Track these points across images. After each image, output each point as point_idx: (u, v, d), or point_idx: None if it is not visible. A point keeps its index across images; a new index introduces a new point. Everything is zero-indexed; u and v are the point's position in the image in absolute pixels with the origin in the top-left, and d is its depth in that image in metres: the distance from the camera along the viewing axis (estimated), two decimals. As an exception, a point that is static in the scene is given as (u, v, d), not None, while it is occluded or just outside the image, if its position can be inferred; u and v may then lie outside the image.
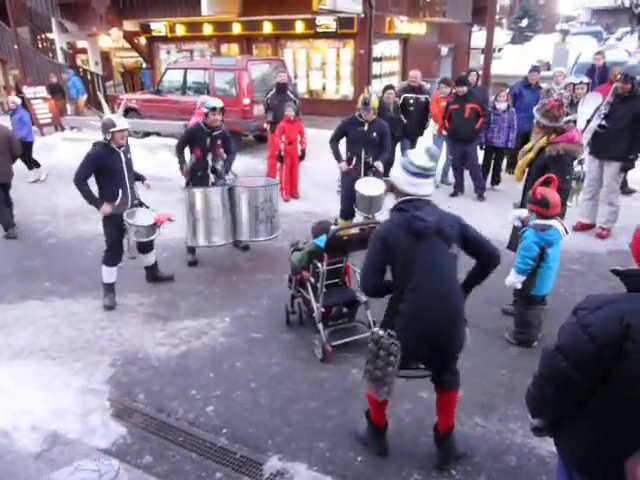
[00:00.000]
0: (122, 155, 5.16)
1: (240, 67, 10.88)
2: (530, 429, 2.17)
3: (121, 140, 5.09)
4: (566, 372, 1.79)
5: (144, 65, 19.39)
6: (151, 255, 5.77)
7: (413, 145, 8.66)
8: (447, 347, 2.95)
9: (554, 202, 3.90)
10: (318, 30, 15.09)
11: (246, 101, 10.84)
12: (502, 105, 7.82)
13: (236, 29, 15.86)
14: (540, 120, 4.35)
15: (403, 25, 16.62)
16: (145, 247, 5.62)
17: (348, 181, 6.42)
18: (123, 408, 3.91)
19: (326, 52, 15.85)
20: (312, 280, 4.47)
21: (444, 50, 22.63)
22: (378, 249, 2.91)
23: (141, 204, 5.46)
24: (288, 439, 3.51)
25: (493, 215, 7.08)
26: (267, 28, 15.47)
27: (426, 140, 8.85)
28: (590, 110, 6.97)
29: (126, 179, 5.23)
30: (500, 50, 34.00)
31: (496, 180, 8.46)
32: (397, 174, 2.96)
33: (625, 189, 7.05)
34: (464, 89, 7.63)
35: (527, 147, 4.58)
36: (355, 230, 4.08)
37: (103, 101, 5.64)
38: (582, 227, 6.63)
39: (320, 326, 4.37)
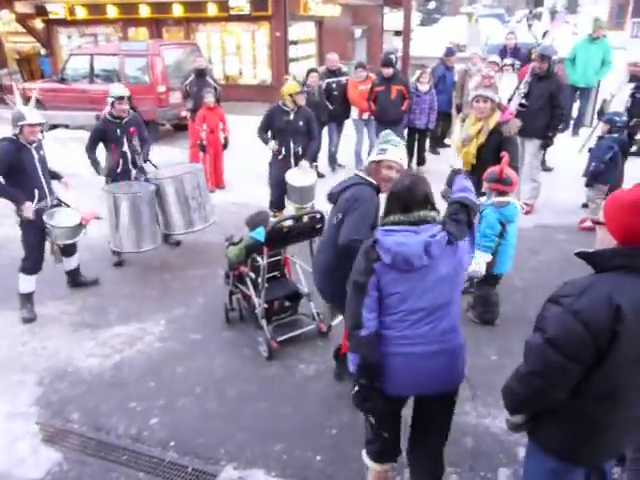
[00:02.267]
0: (34, 152, 4.69)
1: (152, 52, 10.29)
2: (508, 428, 2.13)
3: (31, 136, 4.62)
4: (561, 364, 1.74)
5: (42, 51, 17.93)
6: (73, 259, 5.33)
7: (340, 129, 8.60)
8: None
9: (515, 180, 4.02)
10: (231, 12, 14.58)
11: (161, 88, 10.29)
12: (424, 87, 7.89)
13: (144, 12, 14.98)
14: (489, 95, 4.40)
15: (318, 7, 16.43)
16: (67, 250, 5.17)
17: (276, 171, 6.23)
18: (55, 431, 3.57)
19: (241, 35, 15.37)
20: (252, 275, 4.29)
21: (357, 32, 22.74)
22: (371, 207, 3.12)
23: (60, 203, 5.01)
24: (241, 445, 3.35)
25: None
26: (178, 11, 14.73)
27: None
28: (507, 91, 7.22)
29: (41, 177, 4.76)
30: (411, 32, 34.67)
31: (420, 161, 8.57)
32: None
33: (544, 166, 7.38)
34: (390, 71, 7.61)
35: (472, 131, 4.55)
36: (293, 221, 3.94)
37: (15, 89, 5.07)
38: None
39: (263, 322, 4.22)
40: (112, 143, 5.68)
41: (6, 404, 3.81)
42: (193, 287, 5.38)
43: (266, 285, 4.22)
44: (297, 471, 3.14)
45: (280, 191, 6.20)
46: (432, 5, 45.07)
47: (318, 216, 3.99)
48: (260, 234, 4.30)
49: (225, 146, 8.10)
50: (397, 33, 33.48)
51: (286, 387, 3.86)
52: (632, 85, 6.01)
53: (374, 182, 3.13)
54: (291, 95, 6.10)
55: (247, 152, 9.07)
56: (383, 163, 3.08)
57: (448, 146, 8.78)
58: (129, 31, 15.91)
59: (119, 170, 5.72)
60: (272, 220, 3.90)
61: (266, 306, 4.19)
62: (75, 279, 5.45)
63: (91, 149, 5.70)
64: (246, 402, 3.73)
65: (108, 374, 4.11)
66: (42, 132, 4.84)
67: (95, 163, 5.70)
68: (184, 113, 10.33)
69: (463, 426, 3.41)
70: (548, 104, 6.00)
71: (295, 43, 16.55)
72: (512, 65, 7.73)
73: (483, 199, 4.28)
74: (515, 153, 4.34)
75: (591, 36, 8.34)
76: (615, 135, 5.68)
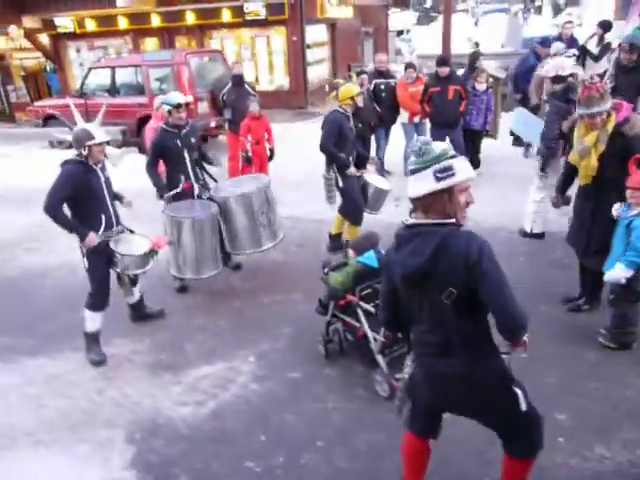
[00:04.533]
0: (100, 173, 4.20)
1: (178, 61, 9.84)
2: None
3: (100, 155, 4.13)
4: None
5: (48, 67, 17.43)
6: (136, 290, 4.81)
7: (388, 134, 8.14)
8: (469, 410, 2.40)
9: None
10: (247, 18, 14.15)
11: (189, 98, 9.79)
12: (482, 86, 7.45)
13: (155, 21, 14.55)
14: (600, 110, 3.79)
15: (333, 9, 16.02)
16: (133, 281, 4.67)
17: (352, 182, 5.69)
18: (164, 501, 3.06)
19: (256, 41, 14.94)
20: (364, 305, 3.79)
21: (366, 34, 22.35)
22: (383, 276, 2.44)
23: (124, 229, 4.51)
24: (395, 512, 2.84)
25: (484, 202, 6.62)
26: (190, 18, 14.31)
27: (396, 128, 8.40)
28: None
29: (108, 202, 4.26)
30: (408, 32, 34.42)
31: (475, 164, 8.10)
32: None
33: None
34: (446, 70, 7.16)
35: (588, 142, 3.97)
36: None
37: (73, 106, 4.56)
38: None
39: (380, 358, 3.72)
40: (172, 157, 5.18)
41: (98, 469, 3.30)
42: (272, 316, 4.87)
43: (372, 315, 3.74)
44: None
45: (360, 202, 5.68)
46: (428, 3, 44.86)
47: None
48: (372, 259, 3.82)
49: (271, 157, 7.61)
50: (399, 33, 33.26)
51: (421, 434, 3.35)
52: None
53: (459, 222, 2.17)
54: (352, 98, 5.59)
55: (287, 162, 8.62)
56: (458, 187, 2.12)
57: None
58: (140, 42, 15.47)
59: (180, 188, 5.21)
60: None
61: (383, 339, 3.69)
62: (139, 312, 4.94)
63: (152, 167, 5.20)
64: (381, 456, 3.21)
65: (208, 426, 3.60)
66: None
67: (158, 183, 5.19)
68: (213, 124, 9.90)
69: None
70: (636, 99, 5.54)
71: (309, 47, 16.14)
72: (577, 56, 7.27)
73: (617, 206, 3.80)
74: None
75: None
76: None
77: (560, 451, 3.09)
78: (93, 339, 4.42)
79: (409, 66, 7.94)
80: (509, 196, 6.92)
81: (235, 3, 13.69)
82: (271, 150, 7.55)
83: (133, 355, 4.47)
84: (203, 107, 9.79)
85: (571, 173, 4.40)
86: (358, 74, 7.63)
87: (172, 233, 4.90)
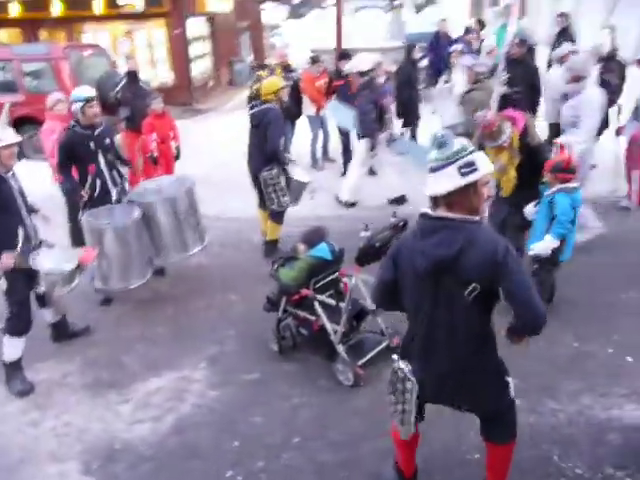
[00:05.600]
0: (12, 182, 3.74)
1: (56, 56, 8.98)
2: None
3: (10, 160, 3.68)
4: None
5: None
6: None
7: (293, 127, 8.15)
8: (463, 399, 2.45)
9: (578, 168, 3.92)
10: (121, 11, 13.30)
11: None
12: (381, 80, 7.71)
13: (15, 10, 13.13)
14: (499, 144, 4.11)
15: (213, 2, 15.62)
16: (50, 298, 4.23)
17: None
18: (146, 528, 2.84)
19: (134, 35, 14.09)
20: (322, 298, 3.79)
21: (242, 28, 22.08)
22: (387, 260, 2.43)
23: (41, 243, 4.06)
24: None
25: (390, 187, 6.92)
26: (57, 9, 13.11)
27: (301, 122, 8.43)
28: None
29: (23, 212, 3.81)
30: (279, 27, 34.65)
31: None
32: None
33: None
34: (346, 64, 7.33)
35: (503, 160, 4.16)
36: (388, 232, 3.51)
37: None
38: None
39: (340, 348, 3.75)
40: (85, 161, 4.75)
41: (59, 508, 2.97)
42: (212, 320, 4.70)
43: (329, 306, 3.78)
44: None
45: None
46: (298, -1, 45.39)
47: (402, 224, 3.60)
48: (325, 251, 3.83)
49: (177, 157, 7.25)
50: (273, 28, 33.32)
51: (392, 417, 3.44)
52: (599, 66, 6.33)
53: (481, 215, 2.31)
54: (275, 92, 5.52)
55: (182, 161, 8.27)
56: (481, 181, 2.20)
57: None
58: (-3, 33, 13.89)
59: (97, 193, 4.81)
60: (365, 234, 3.43)
61: (343, 330, 3.72)
62: (63, 330, 4.49)
63: (66, 170, 4.75)
64: (359, 442, 3.25)
65: (172, 442, 3.39)
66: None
67: (72, 186, 4.74)
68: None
69: (596, 423, 3.27)
70: (528, 89, 6.12)
71: (190, 42, 15.60)
72: (461, 51, 7.79)
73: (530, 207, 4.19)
74: (549, 155, 4.27)
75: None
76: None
77: (520, 412, 3.35)
78: (15, 367, 3.95)
79: (315, 60, 8.00)
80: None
81: (108, -7, 12.81)
82: (177, 149, 7.20)
83: (65, 378, 4.06)
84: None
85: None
86: (260, 68, 7.52)
87: (93, 242, 4.51)
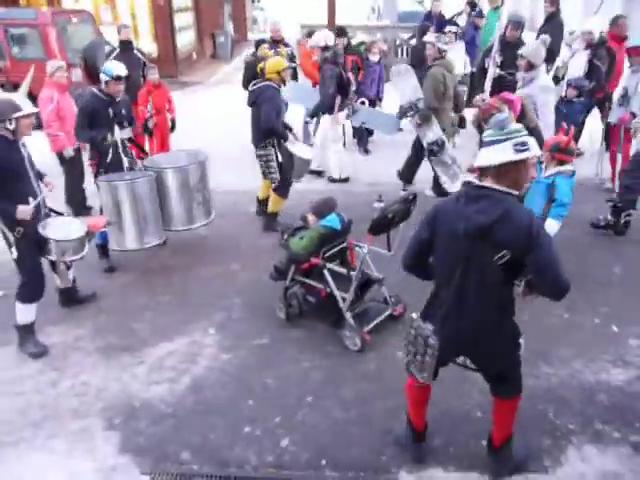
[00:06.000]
0: (22, 150, 3.78)
1: (43, 21, 8.79)
2: None
3: (28, 129, 3.72)
4: None
5: None
6: (69, 273, 4.44)
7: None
8: (482, 361, 2.70)
9: (575, 151, 4.13)
10: (105, -24, 12.99)
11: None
12: (375, 57, 7.83)
13: (-7, -27, 12.68)
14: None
15: (198, -28, 15.33)
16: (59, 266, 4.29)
17: (288, 156, 5.64)
18: (173, 477, 3.01)
19: (118, 3, 13.79)
20: (332, 267, 3.96)
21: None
22: (424, 221, 2.59)
23: (50, 212, 4.12)
24: (398, 449, 3.12)
25: (388, 166, 7.08)
26: (38, -27, 12.72)
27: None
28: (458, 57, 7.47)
29: (33, 181, 3.85)
30: (260, 0, 34.09)
31: (370, 131, 8.56)
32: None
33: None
34: (344, 41, 7.40)
35: None
36: (400, 205, 3.68)
37: None
38: None
39: (348, 315, 3.95)
40: (102, 126, 4.80)
41: (87, 461, 3.12)
42: (217, 288, 4.83)
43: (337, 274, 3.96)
44: (473, 460, 3.03)
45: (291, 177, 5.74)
46: (279, -27, 44.51)
47: (411, 197, 3.78)
48: (335, 221, 3.99)
49: (173, 128, 7.27)
50: (253, 1, 32.74)
51: (399, 379, 3.62)
52: (587, 52, 6.57)
53: (522, 191, 2.58)
54: (279, 72, 5.58)
55: (177, 134, 8.29)
56: (530, 161, 2.39)
57: None
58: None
59: (109, 159, 4.87)
60: (379, 205, 3.59)
61: (351, 297, 3.91)
62: (71, 296, 4.58)
63: (83, 131, 4.83)
64: (369, 401, 3.47)
65: (190, 400, 3.55)
66: None
67: (96, 138, 4.80)
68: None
69: (586, 385, 3.55)
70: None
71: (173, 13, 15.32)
72: (455, 33, 7.95)
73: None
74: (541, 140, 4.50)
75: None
76: (583, 99, 6.20)
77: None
78: (28, 330, 4.04)
79: (311, 34, 8.02)
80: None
81: (91, -41, 12.49)
82: (172, 121, 7.21)
83: (77, 342, 4.17)
84: (77, 75, 8.91)
85: None
86: (258, 44, 7.53)
87: (110, 202, 4.61)
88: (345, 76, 6.68)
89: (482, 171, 2.40)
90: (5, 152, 3.62)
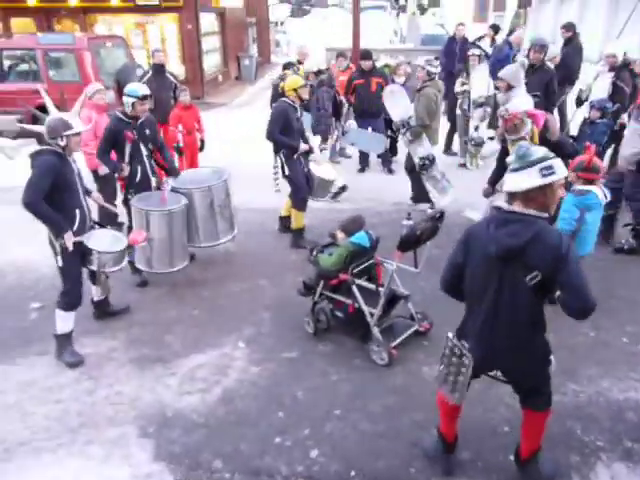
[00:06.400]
0: (73, 165, 3.99)
1: (80, 46, 9.18)
2: None
3: (77, 146, 3.94)
4: None
5: None
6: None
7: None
8: (514, 375, 2.80)
9: (601, 169, 4.20)
10: (138, 3, 13.49)
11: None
12: (401, 79, 8.00)
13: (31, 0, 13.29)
14: (519, 137, 4.40)
15: (223, -2, 15.84)
16: (96, 277, 4.48)
17: (297, 169, 5.87)
18: (206, 485, 3.10)
19: (148, 28, 14.29)
20: (361, 282, 4.06)
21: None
22: (458, 245, 2.70)
23: (95, 224, 4.33)
24: (426, 462, 3.17)
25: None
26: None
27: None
28: (482, 79, 7.59)
29: (81, 194, 4.06)
30: (282, 24, 34.86)
31: (394, 152, 8.69)
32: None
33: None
34: (369, 63, 7.61)
35: None
36: (427, 223, 3.78)
37: (44, 93, 4.20)
38: None
39: (376, 330, 4.02)
40: (125, 148, 5.00)
41: (124, 467, 3.22)
42: (246, 303, 4.94)
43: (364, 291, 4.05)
44: (500, 475, 3.05)
45: (305, 188, 5.89)
46: (301, -3, 45.52)
47: (439, 215, 3.87)
48: (364, 239, 4.09)
49: (202, 148, 7.51)
50: (276, 24, 33.53)
51: (426, 394, 3.68)
52: (611, 74, 6.64)
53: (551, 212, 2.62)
54: (296, 90, 5.76)
55: (205, 154, 8.53)
56: (557, 183, 2.46)
57: None
58: (11, 22, 14.03)
59: (137, 180, 5.06)
60: (408, 223, 3.69)
61: (379, 312, 3.99)
62: (104, 309, 4.74)
63: (104, 154, 5.01)
64: (398, 415, 3.52)
65: (221, 411, 3.64)
66: None
67: (113, 166, 4.99)
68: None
69: (614, 403, 3.56)
70: (545, 93, 6.41)
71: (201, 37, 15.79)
72: (479, 56, 8.09)
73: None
74: (572, 149, 4.58)
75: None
76: (606, 120, 6.25)
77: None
78: (66, 340, 4.19)
79: (340, 54, 8.27)
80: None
81: (125, -14, 13.01)
82: (202, 141, 7.46)
83: (112, 353, 4.30)
84: (110, 96, 9.22)
85: (501, 173, 5.03)
86: (285, 67, 7.76)
87: (141, 225, 4.79)
88: (338, 99, 6.94)
89: (511, 195, 2.49)
90: (58, 166, 3.83)
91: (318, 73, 6.99)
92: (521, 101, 5.21)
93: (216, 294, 5.12)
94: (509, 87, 5.62)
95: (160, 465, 3.23)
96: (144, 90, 5.00)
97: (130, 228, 5.10)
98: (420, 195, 6.58)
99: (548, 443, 3.02)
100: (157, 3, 13.50)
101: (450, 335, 2.76)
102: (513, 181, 2.47)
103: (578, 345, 4.13)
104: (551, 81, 6.49)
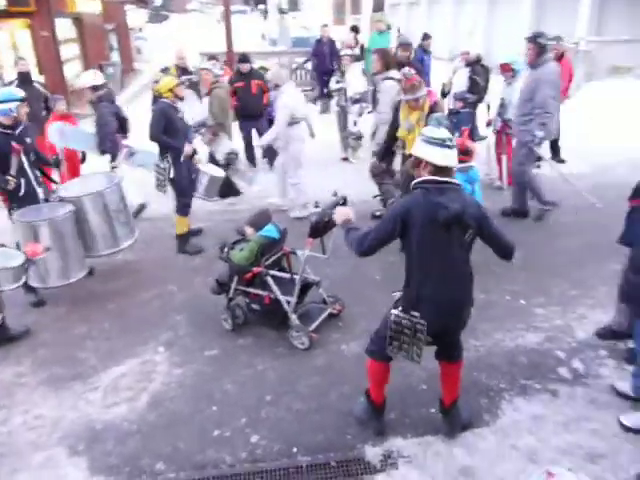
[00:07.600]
0: None
1: None
2: None
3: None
4: None
5: None
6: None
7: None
8: (457, 328, 3.15)
9: (473, 150, 4.78)
10: (-20, 7, 12.30)
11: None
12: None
13: None
14: (419, 96, 4.98)
15: (81, 3, 15.00)
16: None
17: (182, 172, 5.78)
18: (152, 488, 3.09)
19: (-4, 35, 13.08)
20: (272, 273, 4.22)
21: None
22: (395, 219, 2.85)
23: None
24: (359, 427, 3.43)
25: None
26: None
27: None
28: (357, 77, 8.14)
29: None
30: (141, 30, 33.82)
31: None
32: (427, 149, 2.87)
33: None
34: (247, 66, 7.75)
35: (413, 120, 5.06)
36: (333, 209, 3.99)
37: None
38: None
39: (294, 316, 4.22)
40: (9, 162, 4.68)
41: (59, 487, 3.10)
42: (156, 309, 4.89)
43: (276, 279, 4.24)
44: (426, 427, 3.40)
45: (188, 194, 5.90)
46: (159, 2, 44.31)
47: (342, 201, 4.13)
48: (273, 231, 4.26)
49: (83, 159, 7.11)
50: (140, 30, 32.45)
51: (349, 370, 3.94)
52: (468, 69, 7.45)
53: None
54: (171, 90, 5.71)
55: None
56: None
57: None
58: None
59: (22, 193, 4.76)
60: (316, 211, 3.88)
61: (295, 299, 4.19)
62: (3, 334, 4.42)
63: None
64: (325, 391, 3.75)
65: (153, 415, 3.62)
66: None
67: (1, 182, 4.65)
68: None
69: (508, 350, 4.11)
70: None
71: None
72: (350, 56, 8.59)
73: None
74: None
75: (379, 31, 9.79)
76: (467, 110, 7.04)
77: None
78: (-36, 371, 3.87)
79: (212, 58, 8.31)
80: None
81: (-37, -11, 11.81)
82: (83, 152, 7.09)
83: (19, 378, 4.05)
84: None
85: (390, 145, 5.53)
86: (163, 72, 7.67)
87: (28, 240, 4.51)
88: (122, 114, 6.82)
89: (441, 168, 2.82)
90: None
91: (95, 88, 6.63)
92: (288, 95, 6.19)
93: (124, 305, 4.98)
94: (277, 86, 6.46)
95: (99, 478, 3.15)
96: (20, 91, 4.75)
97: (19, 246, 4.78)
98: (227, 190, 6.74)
99: (461, 393, 3.42)
100: (3, 8, 12.42)
101: (394, 312, 2.96)
102: (447, 156, 2.82)
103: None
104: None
